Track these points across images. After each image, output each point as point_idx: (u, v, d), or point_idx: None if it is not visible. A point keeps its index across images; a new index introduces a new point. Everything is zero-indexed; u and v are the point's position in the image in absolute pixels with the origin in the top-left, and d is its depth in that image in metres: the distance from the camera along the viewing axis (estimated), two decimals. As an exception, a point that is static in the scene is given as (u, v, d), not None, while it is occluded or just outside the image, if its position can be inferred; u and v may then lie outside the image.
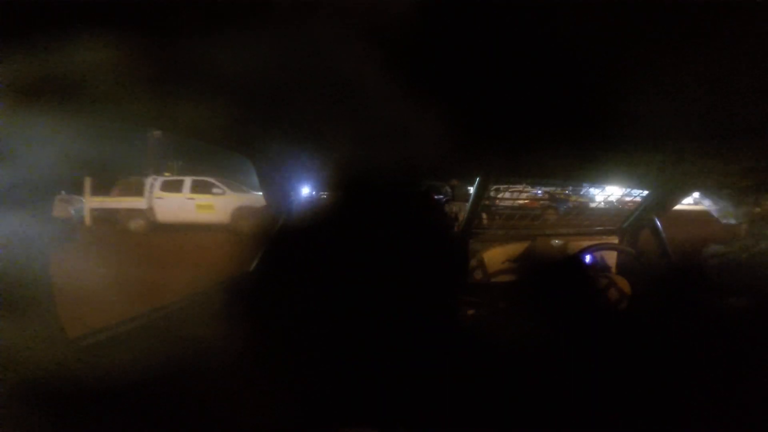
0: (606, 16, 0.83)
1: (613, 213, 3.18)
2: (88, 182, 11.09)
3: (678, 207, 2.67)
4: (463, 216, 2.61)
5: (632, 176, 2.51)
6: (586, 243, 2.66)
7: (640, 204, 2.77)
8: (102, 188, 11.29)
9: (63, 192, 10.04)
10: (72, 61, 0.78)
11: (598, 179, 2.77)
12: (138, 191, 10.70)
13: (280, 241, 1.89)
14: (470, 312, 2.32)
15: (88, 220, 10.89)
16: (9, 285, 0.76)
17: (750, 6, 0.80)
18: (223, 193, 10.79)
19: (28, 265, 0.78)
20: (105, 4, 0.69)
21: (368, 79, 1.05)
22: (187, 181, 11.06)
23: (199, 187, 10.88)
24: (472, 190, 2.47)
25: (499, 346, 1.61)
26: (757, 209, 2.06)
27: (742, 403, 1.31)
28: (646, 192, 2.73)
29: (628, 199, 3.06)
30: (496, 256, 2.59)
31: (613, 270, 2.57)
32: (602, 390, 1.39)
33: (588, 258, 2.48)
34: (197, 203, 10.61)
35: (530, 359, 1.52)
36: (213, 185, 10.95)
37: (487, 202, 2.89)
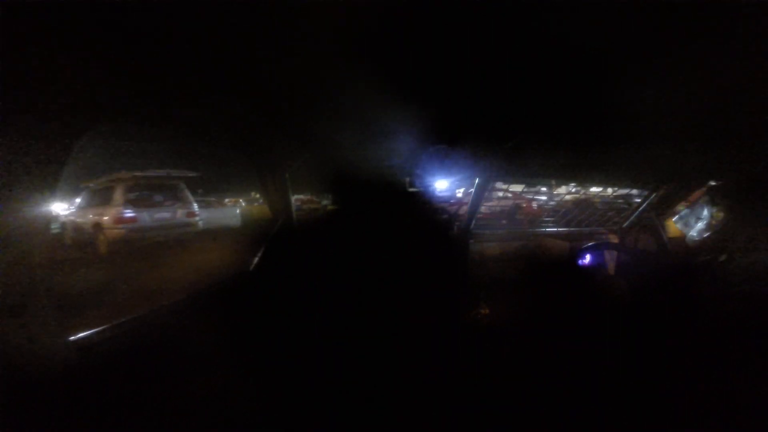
0: (607, 16, 0.83)
1: (614, 213, 3.18)
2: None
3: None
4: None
5: (632, 176, 2.50)
6: (586, 242, 2.66)
7: (640, 204, 2.77)
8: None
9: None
10: (69, 59, 0.78)
11: (599, 179, 2.77)
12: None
13: (279, 242, 1.89)
14: (470, 310, 2.32)
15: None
16: (9, 285, 0.76)
17: (750, 7, 0.80)
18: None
19: (27, 265, 0.78)
20: (107, 3, 0.69)
21: (370, 82, 1.06)
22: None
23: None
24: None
25: (500, 342, 1.61)
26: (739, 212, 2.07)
27: (740, 400, 1.31)
28: (646, 192, 2.72)
29: (628, 198, 3.05)
30: (497, 254, 2.59)
31: (613, 269, 2.57)
32: (601, 387, 1.39)
33: (588, 257, 2.48)
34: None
35: (530, 356, 1.52)
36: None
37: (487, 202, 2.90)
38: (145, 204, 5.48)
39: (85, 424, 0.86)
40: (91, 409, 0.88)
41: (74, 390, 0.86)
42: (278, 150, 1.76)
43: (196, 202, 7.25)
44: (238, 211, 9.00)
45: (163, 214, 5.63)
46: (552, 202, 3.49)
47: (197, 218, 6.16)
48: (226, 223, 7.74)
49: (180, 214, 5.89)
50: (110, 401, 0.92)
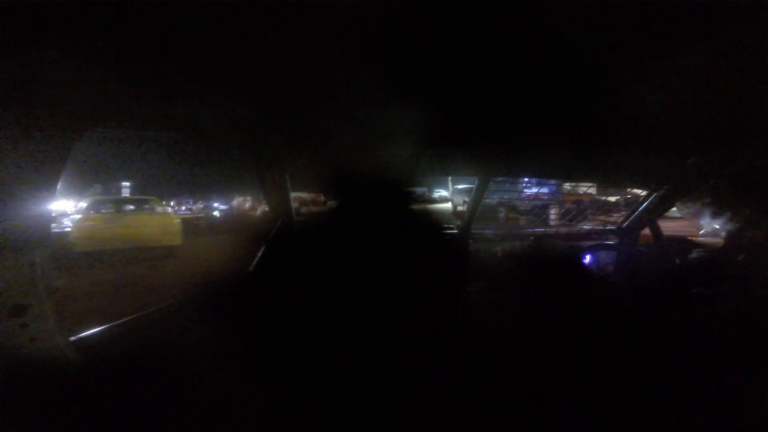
0: (609, 16, 0.83)
1: (613, 213, 3.18)
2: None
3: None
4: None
5: (632, 176, 2.51)
6: (586, 242, 2.66)
7: (640, 204, 2.77)
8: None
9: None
10: (69, 59, 0.78)
11: (599, 179, 2.77)
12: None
13: (279, 242, 1.89)
14: (469, 310, 2.32)
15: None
16: (10, 285, 0.77)
17: (750, 7, 0.80)
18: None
19: (27, 265, 0.78)
20: (108, 3, 0.69)
21: (370, 83, 1.06)
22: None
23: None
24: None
25: (499, 343, 1.61)
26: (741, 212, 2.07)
27: (740, 400, 1.31)
28: (646, 192, 2.73)
29: (628, 198, 3.06)
30: (496, 254, 2.59)
31: (613, 269, 2.57)
32: (601, 387, 1.39)
33: (588, 257, 2.48)
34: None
35: (529, 357, 1.52)
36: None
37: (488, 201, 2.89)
38: None
39: (86, 424, 0.86)
40: (92, 409, 0.88)
41: (75, 390, 0.86)
42: (278, 150, 1.76)
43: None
44: None
45: None
46: (552, 202, 3.49)
47: None
48: None
49: None
50: (111, 401, 0.93)
